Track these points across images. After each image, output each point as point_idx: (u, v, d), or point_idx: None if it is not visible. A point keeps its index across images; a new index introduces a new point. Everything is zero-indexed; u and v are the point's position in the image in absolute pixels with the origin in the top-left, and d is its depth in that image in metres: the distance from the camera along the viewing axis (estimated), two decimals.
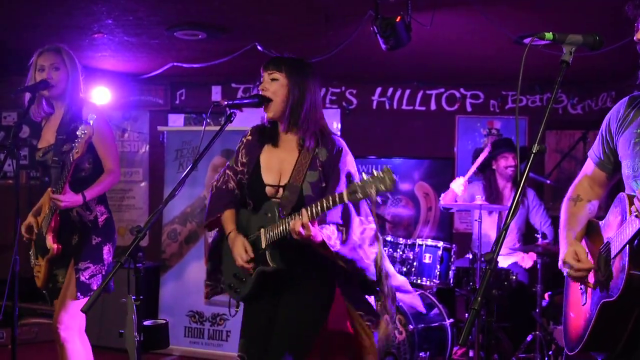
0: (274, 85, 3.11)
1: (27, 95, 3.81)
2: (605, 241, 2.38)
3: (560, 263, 2.49)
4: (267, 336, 3.11)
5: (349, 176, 3.07)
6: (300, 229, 2.81)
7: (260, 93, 3.13)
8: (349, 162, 3.11)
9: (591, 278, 2.41)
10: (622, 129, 2.47)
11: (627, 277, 2.13)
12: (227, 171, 3.33)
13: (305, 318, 3.09)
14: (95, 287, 3.72)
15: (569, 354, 2.51)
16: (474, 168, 5.79)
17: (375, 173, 2.68)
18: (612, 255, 2.27)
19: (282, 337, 3.06)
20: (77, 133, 3.48)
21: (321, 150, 3.10)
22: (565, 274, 2.46)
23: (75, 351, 3.78)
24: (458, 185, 5.72)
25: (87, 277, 3.73)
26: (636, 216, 2.06)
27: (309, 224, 2.81)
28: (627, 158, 2.42)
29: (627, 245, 2.16)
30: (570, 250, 2.43)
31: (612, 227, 2.36)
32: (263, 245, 3.05)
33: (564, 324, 2.65)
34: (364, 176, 2.71)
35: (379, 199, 2.68)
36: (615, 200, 2.37)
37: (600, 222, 2.52)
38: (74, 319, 3.77)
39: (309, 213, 2.81)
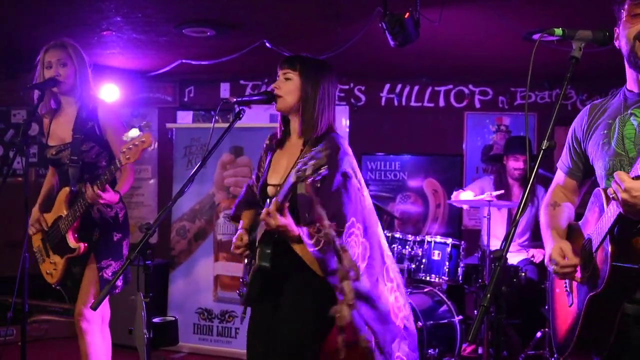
0: (288, 84, 3.08)
1: (37, 93, 3.83)
2: (586, 238, 2.40)
3: (546, 260, 2.48)
4: (267, 346, 3.08)
5: (345, 175, 2.98)
6: (267, 217, 2.78)
7: (271, 90, 3.11)
8: (345, 162, 3.00)
9: (578, 274, 2.42)
10: (589, 134, 2.51)
11: (610, 268, 2.13)
12: (253, 174, 3.37)
13: (302, 333, 2.99)
14: (117, 283, 3.78)
15: (560, 357, 2.51)
16: (486, 195, 5.70)
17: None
18: (594, 249, 2.27)
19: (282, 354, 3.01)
20: (125, 138, 3.44)
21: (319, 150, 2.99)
22: (551, 271, 2.44)
23: (94, 343, 3.85)
24: (467, 197, 5.66)
25: (110, 275, 3.79)
26: (613, 198, 2.06)
27: (276, 213, 2.76)
28: (598, 159, 2.44)
29: (608, 235, 2.17)
30: (556, 247, 2.43)
31: (591, 223, 2.38)
32: (257, 243, 3.05)
33: (552, 329, 2.65)
34: None
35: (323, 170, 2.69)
36: (591, 197, 2.39)
37: (579, 223, 2.54)
38: (95, 314, 3.82)
39: (276, 201, 2.77)
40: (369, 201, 3.15)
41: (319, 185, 2.93)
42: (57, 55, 3.80)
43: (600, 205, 2.28)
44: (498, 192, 5.55)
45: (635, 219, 2.09)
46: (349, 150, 3.06)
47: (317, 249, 2.83)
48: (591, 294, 2.24)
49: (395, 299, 3.08)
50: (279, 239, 2.93)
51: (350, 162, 3.02)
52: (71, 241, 3.74)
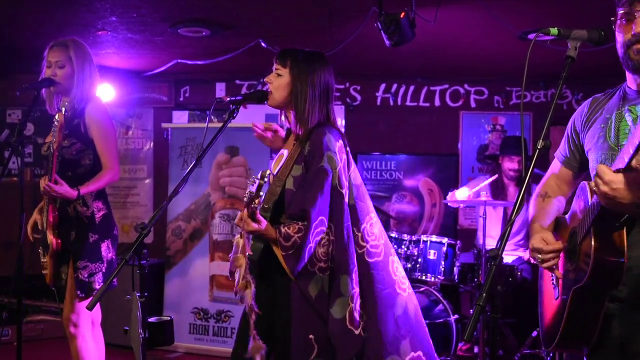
0: (278, 80, 3.09)
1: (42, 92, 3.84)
2: (571, 230, 2.42)
3: (529, 252, 2.50)
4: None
5: (322, 171, 2.94)
6: (240, 223, 2.83)
7: (263, 90, 3.13)
8: (325, 158, 2.95)
9: (561, 269, 2.44)
10: (587, 126, 2.52)
11: (593, 259, 2.14)
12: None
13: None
14: (96, 286, 3.73)
15: (547, 349, 2.54)
16: (481, 185, 5.75)
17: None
18: (579, 242, 2.29)
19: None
20: (54, 123, 3.52)
21: (306, 144, 3.01)
22: (536, 262, 2.46)
23: (85, 347, 3.82)
24: (462, 195, 5.69)
25: (86, 276, 3.73)
26: (594, 191, 2.07)
27: (248, 218, 2.78)
28: (593, 152, 2.46)
29: (592, 228, 2.18)
30: (537, 237, 2.45)
31: (576, 216, 2.40)
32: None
33: (540, 321, 2.67)
34: None
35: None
36: (577, 191, 2.42)
37: (565, 216, 2.57)
38: (82, 317, 3.80)
39: (248, 207, 2.78)
40: (350, 201, 3.06)
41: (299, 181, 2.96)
42: (56, 57, 3.80)
43: (585, 199, 2.30)
44: (492, 178, 5.60)
45: (616, 212, 2.11)
46: (334, 146, 2.99)
47: (289, 252, 2.84)
48: (575, 286, 2.25)
49: (359, 305, 2.96)
50: None
51: (331, 159, 2.96)
52: (49, 236, 3.71)
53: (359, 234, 3.05)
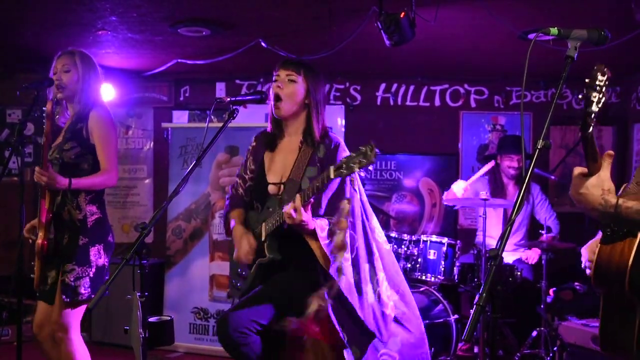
0: (291, 87, 3.16)
1: (50, 92, 3.85)
2: None
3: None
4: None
5: None
6: (292, 212, 2.88)
7: (262, 90, 3.18)
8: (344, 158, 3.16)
9: None
10: None
11: (594, 266, 2.15)
12: (237, 179, 3.46)
13: (290, 288, 3.14)
14: (82, 290, 3.65)
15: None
16: (477, 176, 5.78)
17: (360, 148, 2.73)
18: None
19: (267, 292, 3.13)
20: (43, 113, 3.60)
21: (319, 147, 3.18)
22: (586, 271, 2.39)
23: (76, 351, 3.73)
24: (459, 188, 5.71)
25: (72, 280, 3.65)
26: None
27: (302, 208, 2.87)
28: None
29: (602, 234, 2.21)
30: (590, 245, 2.39)
31: None
32: (263, 237, 3.14)
33: None
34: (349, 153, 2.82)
35: (362, 172, 2.75)
36: None
37: None
38: (72, 321, 3.72)
39: (302, 196, 2.88)
40: (361, 196, 3.28)
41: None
42: (62, 62, 3.83)
43: None
44: (488, 166, 5.67)
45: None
46: (345, 146, 3.24)
47: (329, 241, 2.98)
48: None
49: (385, 287, 3.22)
50: (285, 232, 3.06)
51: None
52: (38, 237, 3.66)
53: (377, 226, 3.32)
